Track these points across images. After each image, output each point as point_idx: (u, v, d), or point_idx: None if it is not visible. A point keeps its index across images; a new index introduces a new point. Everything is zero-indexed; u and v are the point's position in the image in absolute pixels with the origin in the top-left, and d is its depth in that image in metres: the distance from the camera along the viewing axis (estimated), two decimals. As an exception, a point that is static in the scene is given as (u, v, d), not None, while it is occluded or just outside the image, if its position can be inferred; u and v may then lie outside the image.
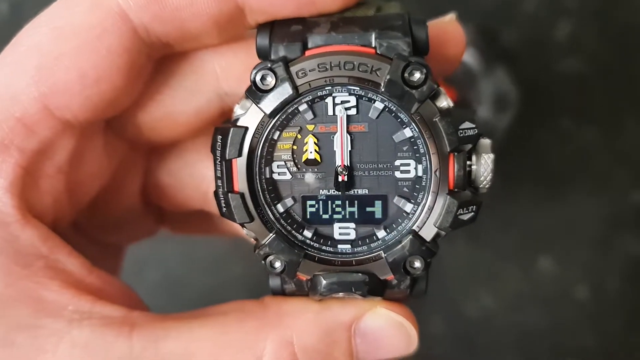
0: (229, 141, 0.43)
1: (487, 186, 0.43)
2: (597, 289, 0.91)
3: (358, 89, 0.42)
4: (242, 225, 0.45)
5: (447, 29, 0.47)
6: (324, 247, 0.45)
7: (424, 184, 0.44)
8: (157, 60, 0.47)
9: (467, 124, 0.42)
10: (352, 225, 0.45)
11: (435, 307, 0.92)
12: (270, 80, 0.42)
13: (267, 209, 0.45)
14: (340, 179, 0.44)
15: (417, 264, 0.44)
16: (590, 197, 0.90)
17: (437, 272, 0.83)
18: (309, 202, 0.45)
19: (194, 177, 0.53)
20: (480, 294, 0.92)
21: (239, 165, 0.44)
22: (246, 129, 0.43)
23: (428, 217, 0.43)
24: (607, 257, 0.90)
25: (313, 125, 0.44)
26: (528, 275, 0.91)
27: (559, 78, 0.88)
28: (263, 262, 0.45)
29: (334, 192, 0.45)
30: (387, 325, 0.45)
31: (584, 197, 0.90)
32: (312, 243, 0.45)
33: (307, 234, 0.45)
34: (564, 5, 0.87)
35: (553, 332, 0.91)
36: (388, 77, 0.41)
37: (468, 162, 0.43)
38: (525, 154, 0.90)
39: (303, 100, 0.43)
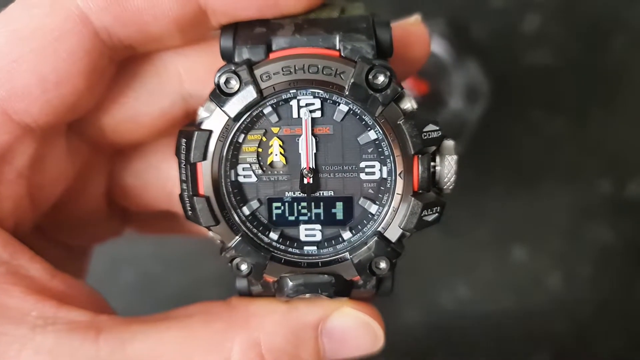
0: (193, 144, 0.43)
1: (450, 187, 0.43)
2: (569, 276, 0.92)
3: (322, 92, 0.42)
4: (208, 228, 0.44)
5: (412, 31, 0.46)
6: (290, 249, 0.45)
7: (388, 185, 0.44)
8: (120, 62, 0.46)
9: (430, 127, 0.42)
10: (318, 226, 0.45)
11: (410, 297, 0.93)
12: (235, 83, 0.42)
13: (233, 211, 0.45)
14: (305, 181, 0.44)
15: (383, 264, 0.44)
16: (560, 187, 0.91)
17: (412, 263, 0.83)
18: (274, 204, 0.45)
19: (159, 178, 0.52)
20: (455, 284, 0.93)
21: (204, 168, 0.43)
22: (210, 132, 0.43)
23: (393, 218, 0.43)
24: (578, 246, 0.92)
25: (278, 128, 0.44)
26: (502, 265, 0.92)
27: (528, 70, 0.89)
28: (229, 264, 0.45)
29: (299, 194, 0.45)
30: (354, 324, 0.45)
31: (554, 187, 0.91)
32: (278, 245, 0.45)
33: (274, 236, 0.45)
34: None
35: (526, 320, 0.92)
36: (352, 80, 0.41)
37: (432, 164, 0.43)
38: (497, 145, 0.90)
39: (268, 103, 0.43)
